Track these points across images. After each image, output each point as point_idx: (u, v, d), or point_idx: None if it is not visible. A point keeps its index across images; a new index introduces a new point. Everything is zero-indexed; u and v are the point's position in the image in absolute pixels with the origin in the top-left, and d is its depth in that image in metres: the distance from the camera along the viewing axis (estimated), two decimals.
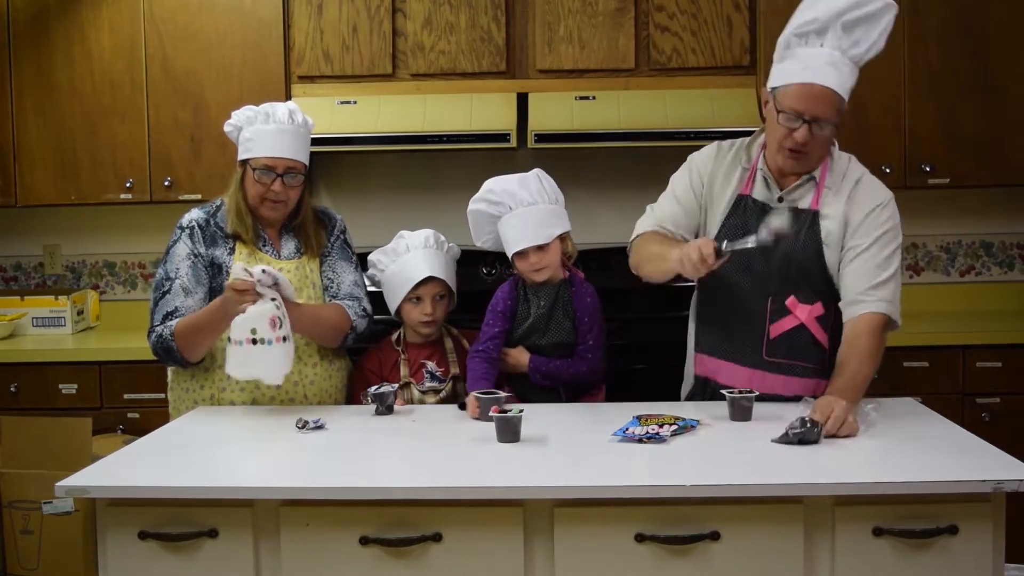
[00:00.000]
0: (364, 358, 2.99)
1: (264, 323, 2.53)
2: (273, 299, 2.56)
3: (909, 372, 3.68)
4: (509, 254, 2.83)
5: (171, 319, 2.72)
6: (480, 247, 2.96)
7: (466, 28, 3.96)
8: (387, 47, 3.98)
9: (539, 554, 2.05)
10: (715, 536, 2.01)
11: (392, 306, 2.95)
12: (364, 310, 2.89)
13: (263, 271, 2.55)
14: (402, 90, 3.98)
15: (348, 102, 3.96)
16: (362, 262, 3.02)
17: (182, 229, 2.83)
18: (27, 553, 3.48)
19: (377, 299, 2.98)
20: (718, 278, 2.57)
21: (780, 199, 2.58)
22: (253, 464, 2.28)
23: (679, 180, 2.72)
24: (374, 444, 2.41)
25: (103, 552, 2.11)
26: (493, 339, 2.80)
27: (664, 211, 2.69)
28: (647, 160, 4.16)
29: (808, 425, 2.21)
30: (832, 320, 2.57)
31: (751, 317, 2.58)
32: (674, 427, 2.33)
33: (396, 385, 2.78)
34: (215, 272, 2.80)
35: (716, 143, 2.73)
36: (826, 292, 2.57)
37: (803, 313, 2.57)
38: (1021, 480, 1.97)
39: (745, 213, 2.60)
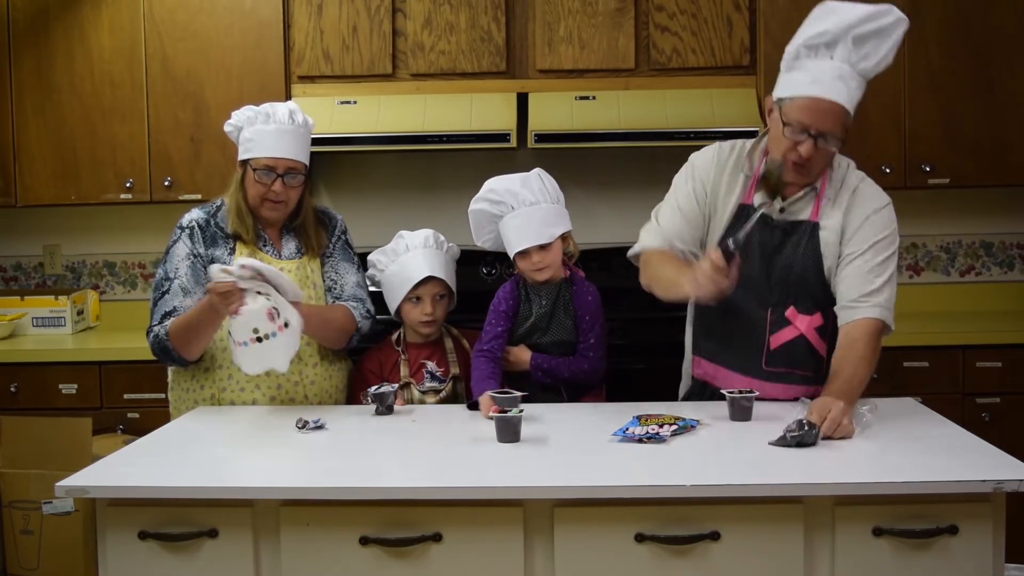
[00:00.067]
0: (364, 358, 2.99)
1: (263, 319, 2.52)
2: (260, 292, 2.52)
3: (909, 372, 3.68)
4: (511, 254, 2.83)
5: (169, 319, 2.72)
6: (481, 247, 2.96)
7: (466, 28, 3.96)
8: (387, 47, 3.98)
9: (539, 554, 2.05)
10: (715, 536, 2.01)
11: (392, 306, 2.95)
12: (368, 311, 2.89)
13: (241, 266, 2.51)
14: (402, 90, 3.98)
15: (348, 102, 3.96)
16: (362, 262, 3.02)
17: (182, 229, 2.83)
18: (27, 553, 3.48)
19: (377, 299, 2.98)
20: None
21: (781, 210, 2.57)
22: (253, 464, 2.28)
23: (682, 188, 2.67)
24: (374, 444, 2.41)
25: (103, 552, 2.11)
26: (496, 339, 2.80)
27: (670, 225, 2.64)
28: (647, 160, 4.16)
29: (805, 428, 2.21)
30: (831, 329, 2.57)
31: (750, 327, 2.57)
32: (674, 427, 2.33)
33: (396, 385, 2.78)
34: None
35: (716, 146, 2.70)
36: (825, 302, 2.57)
37: (803, 324, 2.57)
38: (1021, 480, 1.97)
39: (746, 224, 2.59)
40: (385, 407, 2.65)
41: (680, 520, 2.02)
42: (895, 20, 2.43)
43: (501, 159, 4.11)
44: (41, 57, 4.03)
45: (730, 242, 2.35)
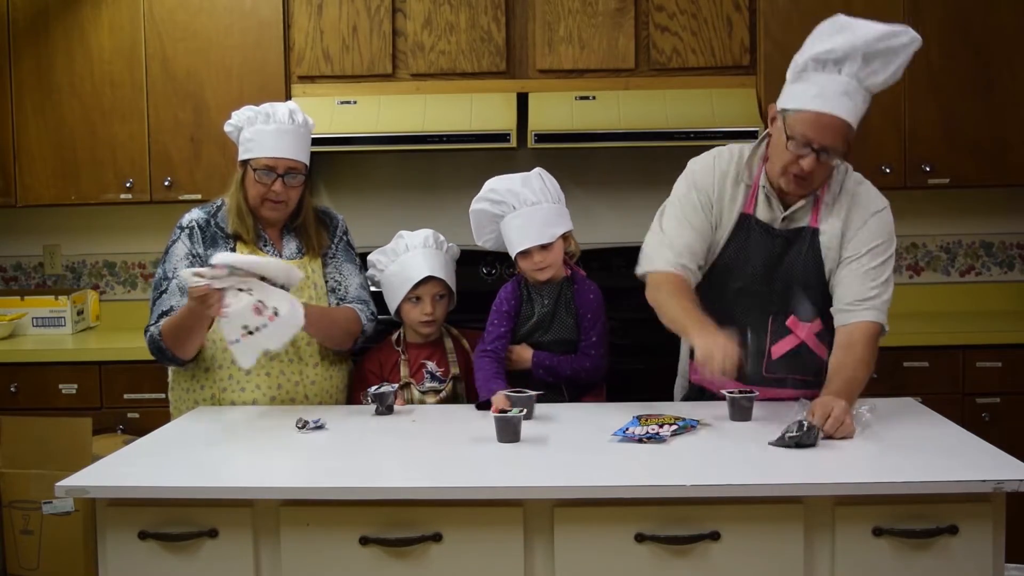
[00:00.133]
0: (364, 358, 2.99)
1: (249, 315, 2.49)
2: (241, 288, 2.49)
3: (909, 372, 3.68)
4: (513, 254, 2.83)
5: (166, 319, 2.72)
6: (481, 247, 2.96)
7: (466, 28, 3.96)
8: (387, 47, 3.98)
9: (539, 554, 2.05)
10: (715, 536, 2.01)
11: (392, 306, 2.95)
12: (372, 314, 2.90)
13: (212, 267, 2.48)
14: (402, 90, 3.98)
15: (348, 102, 3.96)
16: (362, 262, 3.02)
17: (181, 229, 2.83)
18: (27, 553, 3.48)
19: (376, 299, 2.98)
20: (718, 294, 2.56)
21: (783, 219, 2.56)
22: (253, 464, 2.28)
23: (686, 200, 2.61)
24: (374, 444, 2.41)
25: (103, 552, 2.11)
26: (500, 339, 2.81)
27: (680, 241, 2.57)
28: (647, 160, 4.16)
29: (805, 429, 2.21)
30: (830, 334, 2.56)
31: (752, 336, 2.54)
32: (674, 427, 2.33)
33: (396, 385, 2.78)
34: None
35: (714, 153, 2.66)
36: (825, 308, 2.57)
37: (803, 331, 2.57)
38: (1021, 480, 1.97)
39: (748, 234, 2.57)
40: (385, 407, 2.65)
41: (680, 520, 2.02)
42: (908, 40, 2.39)
43: (501, 159, 4.11)
44: (41, 57, 4.03)
45: (748, 340, 2.37)
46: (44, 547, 3.45)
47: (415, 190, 4.33)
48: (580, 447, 2.29)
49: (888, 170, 3.87)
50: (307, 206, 2.89)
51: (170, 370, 2.89)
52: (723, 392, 2.49)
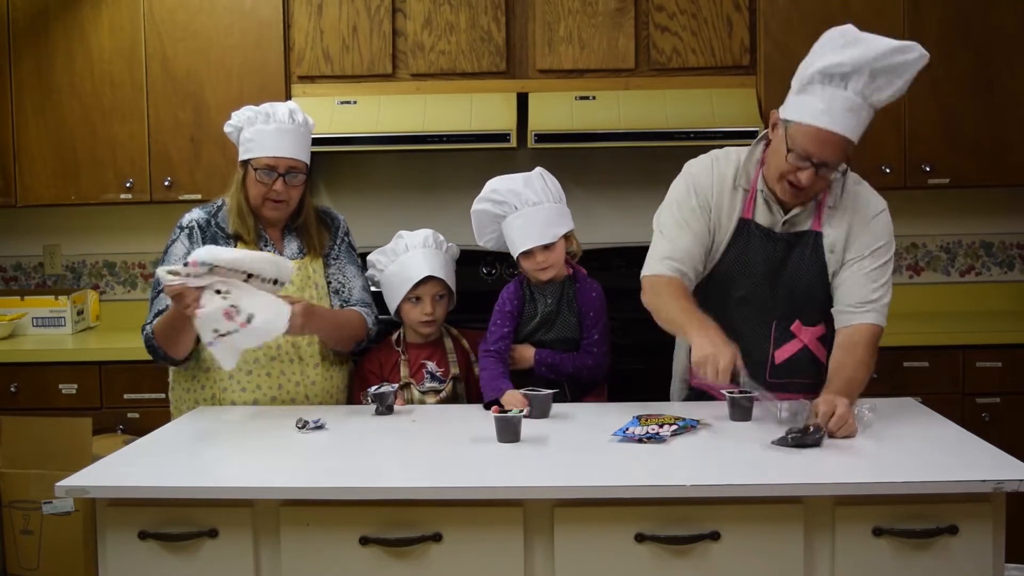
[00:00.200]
0: (364, 359, 2.99)
1: (220, 319, 2.45)
2: (219, 291, 2.45)
3: (909, 372, 3.68)
4: (515, 254, 2.83)
5: (159, 318, 2.73)
6: (483, 247, 2.96)
7: (466, 28, 3.96)
8: (387, 47, 3.98)
9: (539, 554, 2.05)
10: (715, 536, 2.01)
11: (392, 306, 2.95)
12: (376, 317, 2.90)
13: (186, 264, 2.46)
14: (402, 90, 3.98)
15: (348, 102, 3.96)
16: (362, 262, 3.02)
17: (181, 229, 2.83)
18: (27, 553, 3.48)
19: (376, 299, 2.98)
20: (718, 302, 2.55)
21: (784, 223, 2.56)
22: (253, 464, 2.28)
23: (685, 203, 2.59)
24: (374, 444, 2.41)
25: (103, 552, 2.11)
26: (503, 339, 2.81)
27: (678, 245, 2.56)
28: (647, 160, 4.16)
29: (810, 431, 2.21)
30: (832, 336, 2.56)
31: (753, 342, 2.55)
32: (674, 427, 2.33)
33: (396, 385, 2.78)
34: None
35: (711, 157, 2.64)
36: (827, 311, 2.57)
37: (806, 336, 2.58)
38: (1021, 480, 1.97)
39: (748, 239, 2.57)
40: (385, 407, 2.65)
41: (680, 520, 2.02)
42: (917, 57, 2.36)
43: (501, 159, 4.11)
44: (41, 57, 4.03)
45: (743, 378, 2.34)
46: (44, 547, 3.45)
47: (415, 190, 4.33)
48: (580, 447, 2.29)
49: (888, 170, 3.87)
50: (308, 206, 2.89)
51: (171, 370, 2.89)
52: (723, 392, 2.49)
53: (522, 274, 2.89)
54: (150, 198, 4.05)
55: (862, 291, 2.51)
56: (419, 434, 2.48)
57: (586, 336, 2.82)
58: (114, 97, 4.02)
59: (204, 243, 2.79)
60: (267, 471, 2.21)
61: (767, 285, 2.57)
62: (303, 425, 2.48)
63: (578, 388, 2.83)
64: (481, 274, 4.03)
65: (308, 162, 2.84)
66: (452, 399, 2.88)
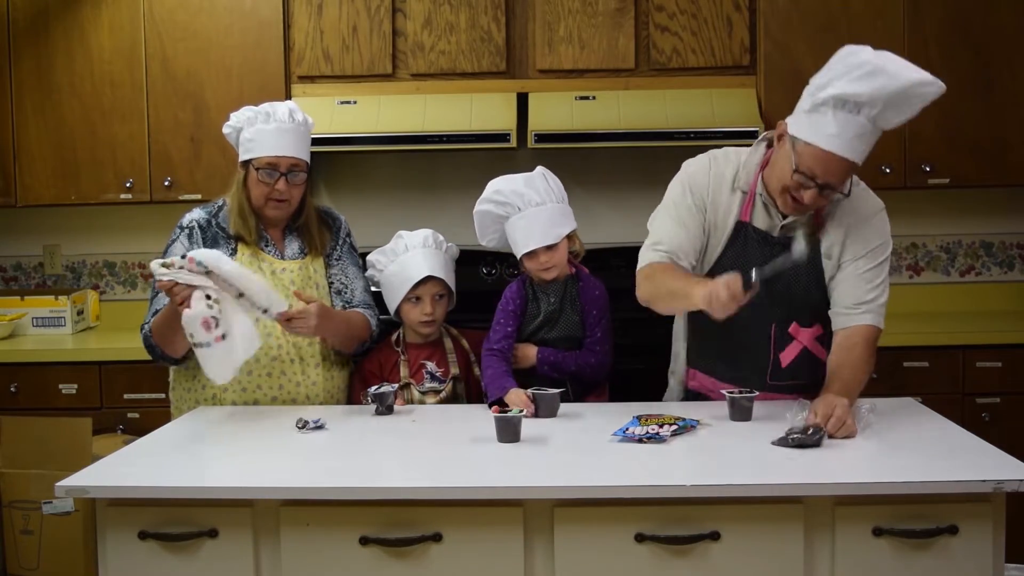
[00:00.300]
0: (364, 359, 2.99)
1: (197, 326, 2.44)
2: (208, 296, 2.45)
3: (909, 372, 3.68)
4: (518, 255, 2.83)
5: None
6: (485, 246, 2.96)
7: (466, 28, 3.96)
8: (387, 47, 3.98)
9: (539, 554, 2.05)
10: (715, 536, 2.01)
11: (391, 306, 2.95)
12: (378, 318, 2.91)
13: (182, 257, 2.46)
14: (402, 90, 3.98)
15: (348, 102, 3.96)
16: (362, 262, 3.02)
17: (181, 229, 2.83)
18: (27, 553, 3.48)
19: (376, 299, 2.98)
20: None
21: (783, 227, 2.55)
22: (253, 464, 2.28)
23: (681, 201, 2.59)
24: (374, 444, 2.41)
25: (103, 552, 2.11)
26: (506, 338, 2.81)
27: (674, 240, 2.55)
28: (647, 160, 4.16)
29: (810, 431, 2.21)
30: (829, 336, 2.56)
31: (753, 344, 2.55)
32: (674, 427, 2.33)
33: (396, 385, 2.78)
34: None
35: (709, 157, 2.63)
36: (823, 313, 2.57)
37: (805, 337, 2.57)
38: (1021, 480, 1.97)
39: (746, 242, 2.56)
40: (385, 407, 2.65)
41: (680, 520, 2.02)
42: (935, 92, 2.34)
43: (501, 159, 4.11)
44: (41, 57, 4.03)
45: (753, 274, 2.30)
46: (44, 547, 3.45)
47: (415, 190, 4.33)
48: (580, 447, 2.29)
49: (888, 170, 3.87)
50: (309, 205, 2.90)
51: (171, 370, 2.89)
52: (723, 392, 2.49)
53: (525, 273, 2.89)
54: (150, 198, 4.05)
55: (859, 292, 2.51)
56: (419, 434, 2.48)
57: (589, 334, 2.83)
58: (114, 97, 4.02)
59: (204, 243, 2.79)
60: (267, 471, 2.21)
61: (765, 288, 2.56)
62: (303, 425, 2.48)
63: (580, 388, 2.83)
64: (481, 274, 4.03)
65: (309, 161, 2.84)
66: (452, 399, 2.88)
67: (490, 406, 2.63)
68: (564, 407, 2.61)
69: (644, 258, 2.58)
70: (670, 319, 2.83)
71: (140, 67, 4.01)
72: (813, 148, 2.38)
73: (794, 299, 2.56)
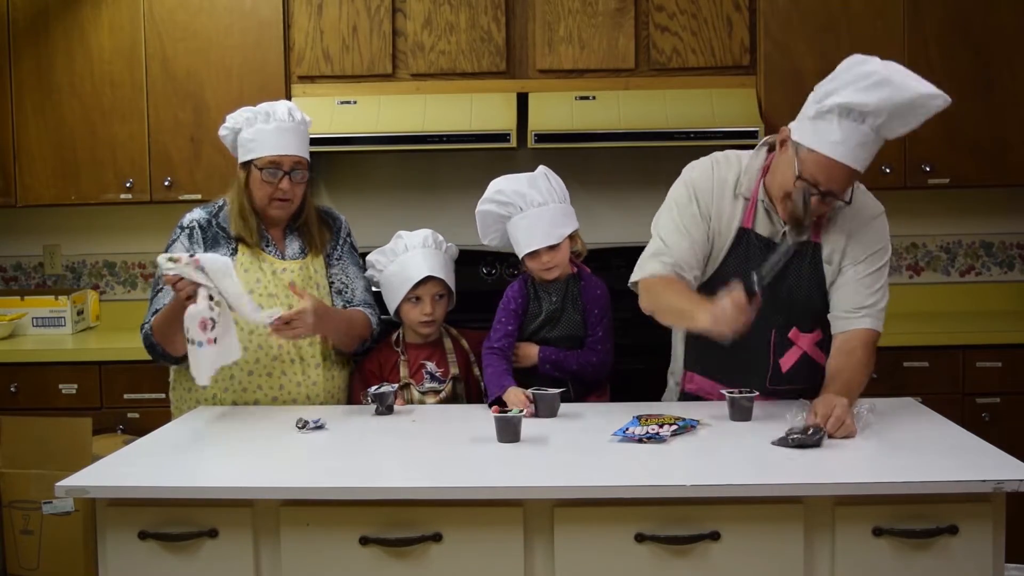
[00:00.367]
0: (364, 359, 2.99)
1: (195, 325, 2.47)
2: (211, 297, 2.49)
3: (909, 372, 3.68)
4: (520, 255, 2.83)
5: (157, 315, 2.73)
6: (487, 245, 2.96)
7: (466, 28, 3.96)
8: (387, 47, 3.98)
9: (539, 554, 2.05)
10: (715, 536, 2.01)
11: (391, 306, 2.95)
12: (379, 317, 2.91)
13: (190, 256, 2.49)
14: (402, 90, 3.98)
15: (348, 102, 3.96)
16: (362, 262, 3.02)
17: (182, 229, 2.83)
18: (27, 553, 3.48)
19: (376, 299, 2.98)
20: None
21: (784, 234, 2.54)
22: (253, 464, 2.28)
23: (686, 208, 2.58)
24: (374, 444, 2.41)
25: (103, 552, 2.11)
26: (507, 337, 2.81)
27: (678, 250, 2.54)
28: (647, 160, 4.16)
29: (810, 432, 2.21)
30: (829, 340, 2.56)
31: (754, 350, 2.54)
32: (674, 427, 2.33)
33: (396, 385, 2.78)
34: None
35: (711, 161, 2.63)
36: (825, 317, 2.57)
37: (805, 342, 2.57)
38: (1021, 480, 1.97)
39: (748, 248, 2.56)
40: (385, 407, 2.65)
41: (680, 520, 2.02)
42: (940, 104, 2.33)
43: (501, 159, 4.11)
44: (41, 57, 4.03)
45: (754, 278, 2.30)
46: (44, 547, 3.45)
47: (415, 190, 4.33)
48: (580, 447, 2.29)
49: (888, 170, 3.87)
50: (309, 204, 2.90)
51: (171, 370, 2.89)
52: (723, 392, 2.49)
53: (526, 272, 2.89)
54: (150, 198, 4.05)
55: (858, 296, 2.51)
56: (419, 434, 2.48)
57: (590, 333, 2.83)
58: (114, 97, 4.02)
59: (205, 243, 2.80)
60: (267, 471, 2.21)
61: (766, 295, 2.56)
62: (303, 425, 2.48)
63: (581, 388, 2.83)
64: (481, 274, 4.03)
65: (309, 159, 2.85)
66: (452, 399, 2.88)
67: (490, 405, 2.63)
68: (564, 407, 2.61)
69: (647, 267, 2.57)
70: None
71: (140, 67, 4.01)
72: (817, 155, 2.37)
73: (795, 304, 2.56)
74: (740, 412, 2.45)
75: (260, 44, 3.99)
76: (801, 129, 2.42)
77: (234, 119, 2.82)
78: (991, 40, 3.89)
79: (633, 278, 2.61)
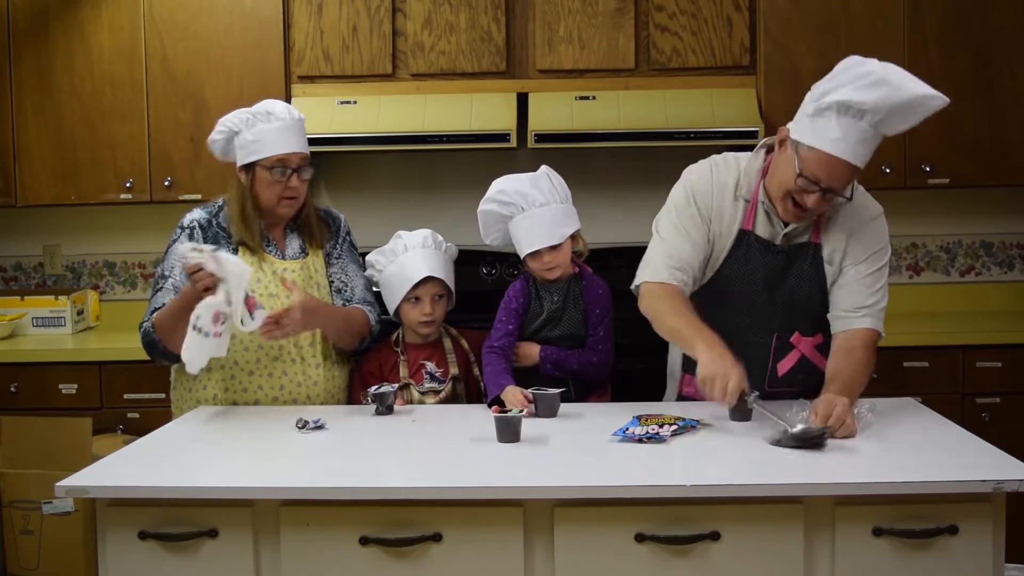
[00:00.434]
0: (363, 359, 2.99)
1: (209, 315, 2.50)
2: (228, 292, 2.51)
3: (909, 372, 3.68)
4: (522, 255, 2.83)
5: (159, 312, 2.72)
6: (487, 245, 2.96)
7: (466, 28, 3.96)
8: (387, 47, 3.98)
9: (539, 554, 2.05)
10: (715, 536, 2.01)
11: (391, 307, 2.95)
12: (378, 314, 2.91)
13: (213, 250, 2.52)
14: (402, 90, 3.98)
15: (348, 102, 3.96)
16: (362, 262, 3.02)
17: (182, 229, 2.83)
18: (27, 553, 3.48)
19: (376, 299, 2.98)
20: (717, 313, 2.52)
21: (784, 235, 2.54)
22: (253, 464, 2.28)
23: (685, 211, 2.57)
24: (374, 444, 2.41)
25: (103, 552, 2.11)
26: (508, 336, 2.81)
27: (681, 254, 2.54)
28: (647, 160, 4.16)
29: (812, 435, 2.21)
30: (829, 344, 2.56)
31: (753, 353, 2.54)
32: (674, 427, 2.33)
33: (396, 385, 2.78)
34: None
35: (710, 164, 2.63)
36: (825, 320, 2.57)
37: (805, 346, 2.58)
38: (1021, 480, 1.97)
39: (748, 250, 2.56)
40: (385, 407, 2.65)
41: (680, 520, 2.02)
42: (938, 104, 2.34)
43: (501, 159, 4.11)
44: (41, 57, 4.03)
45: (753, 398, 2.32)
46: (44, 547, 3.45)
47: (415, 190, 4.33)
48: (580, 447, 2.29)
49: (888, 170, 3.87)
50: (308, 201, 2.90)
51: (172, 370, 2.89)
52: None
53: (528, 272, 2.89)
54: (150, 198, 4.05)
55: (858, 296, 2.51)
56: (419, 434, 2.48)
57: (592, 333, 2.83)
58: (114, 97, 4.02)
59: (205, 242, 2.79)
60: (267, 471, 2.21)
61: (767, 297, 2.56)
62: (303, 425, 2.48)
63: (583, 387, 2.83)
64: (481, 274, 4.03)
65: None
66: (451, 399, 2.88)
67: (489, 405, 2.63)
68: (564, 407, 2.61)
69: (650, 272, 2.57)
70: None
71: (140, 67, 4.01)
72: (817, 152, 2.37)
73: (796, 306, 2.56)
74: (740, 412, 2.45)
75: (260, 44, 3.99)
76: (800, 128, 2.43)
77: (230, 122, 2.80)
78: (991, 40, 3.89)
79: (636, 282, 2.61)
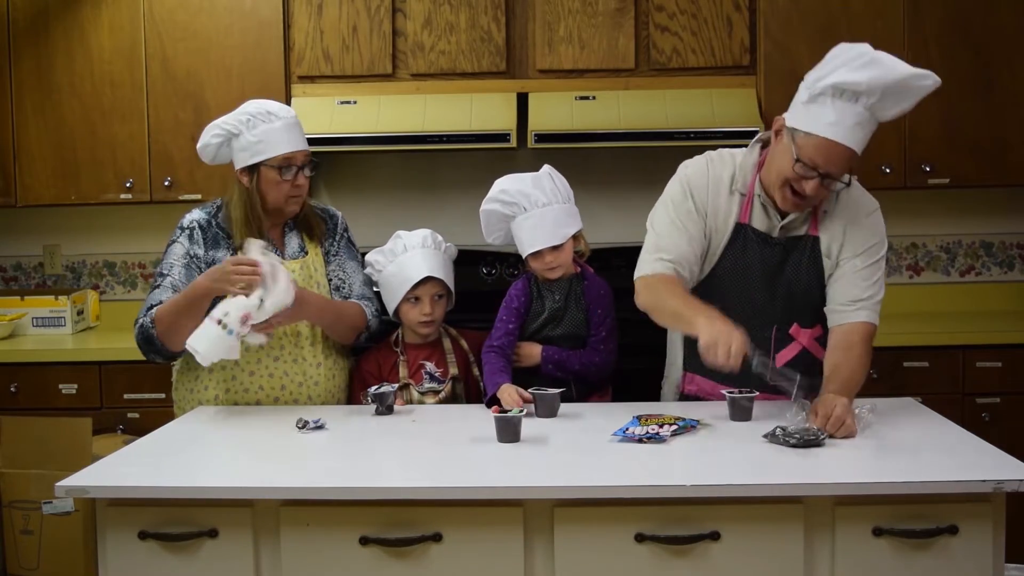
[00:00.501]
0: (363, 360, 2.99)
1: (239, 314, 2.52)
2: (261, 299, 2.54)
3: (909, 372, 3.68)
4: (524, 255, 2.83)
5: (159, 307, 2.72)
6: (487, 245, 2.96)
7: (466, 28, 3.96)
8: (387, 47, 3.98)
9: (539, 554, 2.05)
10: (715, 536, 2.01)
11: (390, 307, 2.95)
12: (377, 310, 2.90)
13: (275, 259, 2.57)
14: (402, 90, 3.98)
15: (348, 102, 3.96)
16: (362, 261, 3.02)
17: (182, 229, 2.83)
18: (27, 553, 3.48)
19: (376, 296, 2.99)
20: (716, 307, 2.49)
21: (782, 228, 2.54)
22: (253, 464, 2.28)
23: (682, 204, 2.58)
24: (374, 444, 2.41)
25: (103, 552, 2.11)
26: (508, 335, 2.81)
27: (676, 248, 2.54)
28: (647, 160, 4.16)
29: (811, 436, 2.21)
30: (827, 336, 2.56)
31: (753, 347, 2.55)
32: (674, 427, 2.33)
33: (396, 385, 2.78)
34: None
35: (706, 159, 2.63)
36: (823, 312, 2.57)
37: (805, 338, 2.58)
38: (1021, 480, 1.97)
39: (745, 243, 2.56)
40: (385, 407, 2.65)
41: (680, 520, 2.02)
42: (931, 84, 2.36)
43: (501, 159, 4.11)
44: (41, 57, 4.03)
45: (756, 360, 2.32)
46: (44, 547, 3.45)
47: (415, 190, 4.33)
48: (580, 447, 2.29)
49: (888, 170, 3.87)
50: (306, 200, 2.90)
51: (174, 370, 2.89)
52: (723, 392, 2.49)
53: (530, 272, 2.89)
54: (150, 198, 4.05)
55: (855, 289, 2.51)
56: (419, 434, 2.48)
57: (593, 333, 2.83)
58: (114, 97, 4.02)
59: (205, 243, 2.80)
60: (267, 471, 2.21)
61: (765, 290, 2.57)
62: (303, 425, 2.48)
63: (584, 388, 2.83)
64: (481, 274, 4.03)
65: None
66: (451, 400, 2.87)
67: (488, 404, 2.63)
68: (564, 407, 2.61)
69: (647, 266, 2.57)
70: None
71: (140, 67, 4.01)
72: (814, 138, 2.38)
73: (795, 298, 2.56)
74: (740, 412, 2.45)
75: (260, 44, 3.99)
76: (795, 115, 2.44)
77: (228, 124, 2.78)
78: (991, 40, 3.90)
79: (635, 277, 2.61)
